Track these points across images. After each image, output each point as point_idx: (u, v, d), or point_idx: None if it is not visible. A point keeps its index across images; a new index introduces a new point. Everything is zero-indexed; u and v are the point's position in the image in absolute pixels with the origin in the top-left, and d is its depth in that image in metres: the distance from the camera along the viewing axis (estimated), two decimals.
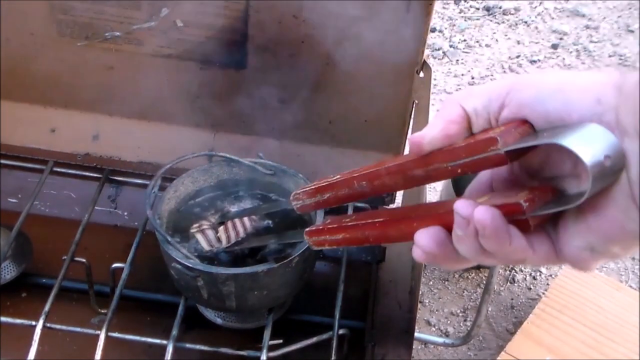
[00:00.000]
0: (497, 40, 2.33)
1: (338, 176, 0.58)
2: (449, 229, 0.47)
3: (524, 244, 0.44)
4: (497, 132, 0.45)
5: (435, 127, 0.48)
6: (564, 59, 2.27)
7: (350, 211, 1.03)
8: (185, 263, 0.87)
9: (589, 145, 0.40)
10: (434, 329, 1.42)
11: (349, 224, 0.57)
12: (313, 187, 0.61)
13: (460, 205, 0.45)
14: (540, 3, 2.50)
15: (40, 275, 1.09)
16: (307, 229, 0.64)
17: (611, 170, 0.40)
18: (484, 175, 0.51)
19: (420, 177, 0.50)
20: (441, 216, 0.48)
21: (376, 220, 0.54)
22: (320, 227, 0.61)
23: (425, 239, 0.47)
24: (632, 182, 0.40)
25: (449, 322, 1.43)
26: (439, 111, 0.49)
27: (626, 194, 0.41)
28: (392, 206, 1.17)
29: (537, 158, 0.48)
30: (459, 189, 1.39)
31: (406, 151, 0.53)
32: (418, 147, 0.48)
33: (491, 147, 0.44)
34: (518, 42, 2.32)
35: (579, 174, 0.44)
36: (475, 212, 0.43)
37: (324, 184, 0.59)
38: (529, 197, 0.44)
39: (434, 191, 1.68)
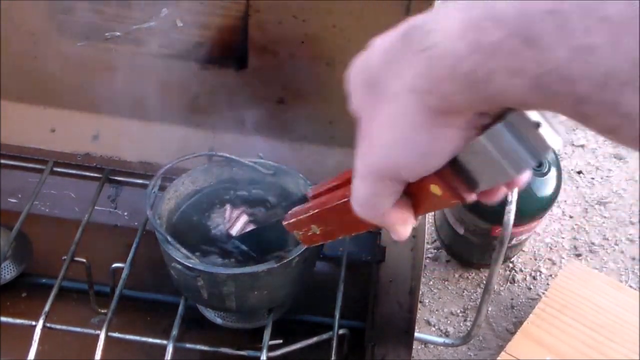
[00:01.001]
0: None
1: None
2: None
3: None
4: (447, 193, 0.44)
5: (400, 232, 0.48)
6: None
7: None
8: (185, 263, 0.87)
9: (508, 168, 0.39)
10: (434, 329, 1.41)
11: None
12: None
13: None
14: None
15: (40, 275, 1.09)
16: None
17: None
18: None
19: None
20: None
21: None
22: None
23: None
24: None
25: (449, 322, 1.43)
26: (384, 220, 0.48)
27: None
28: None
29: None
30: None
31: None
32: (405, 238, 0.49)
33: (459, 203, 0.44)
34: None
35: None
36: None
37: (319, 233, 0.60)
38: None
39: None
